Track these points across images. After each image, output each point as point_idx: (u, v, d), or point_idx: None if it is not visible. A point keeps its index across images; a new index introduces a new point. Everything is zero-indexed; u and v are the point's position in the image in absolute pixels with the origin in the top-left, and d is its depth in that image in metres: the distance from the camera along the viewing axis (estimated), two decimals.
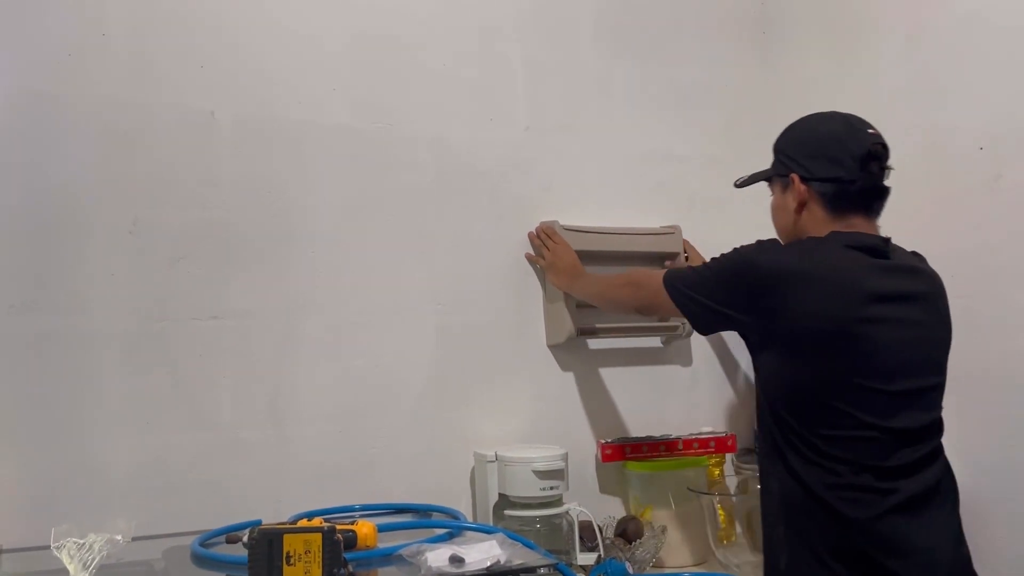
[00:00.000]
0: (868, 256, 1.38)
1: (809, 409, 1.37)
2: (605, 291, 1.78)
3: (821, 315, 1.33)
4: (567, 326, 1.86)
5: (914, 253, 1.49)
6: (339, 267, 1.72)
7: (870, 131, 1.43)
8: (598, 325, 1.92)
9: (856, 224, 1.42)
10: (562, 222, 1.89)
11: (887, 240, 1.43)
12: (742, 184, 1.59)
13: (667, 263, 1.99)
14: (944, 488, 1.39)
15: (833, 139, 1.43)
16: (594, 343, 1.97)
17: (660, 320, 1.96)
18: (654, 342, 2.06)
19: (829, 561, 1.32)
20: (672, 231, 2.02)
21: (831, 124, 1.46)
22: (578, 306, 1.88)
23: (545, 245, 1.88)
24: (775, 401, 1.41)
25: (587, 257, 1.86)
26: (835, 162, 1.41)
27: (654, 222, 2.02)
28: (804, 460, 1.36)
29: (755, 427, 1.65)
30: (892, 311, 1.36)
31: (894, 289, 1.37)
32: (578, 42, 2.02)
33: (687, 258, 2.01)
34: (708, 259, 1.53)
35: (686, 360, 2.09)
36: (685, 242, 2.04)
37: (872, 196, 1.43)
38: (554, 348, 1.92)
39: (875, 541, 1.31)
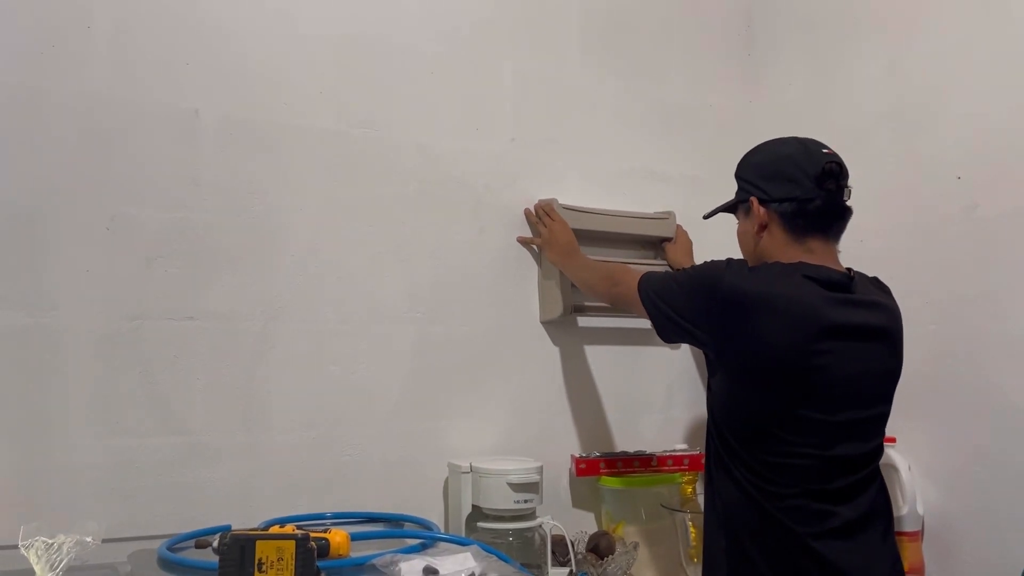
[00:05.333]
0: (828, 290, 1.38)
1: (752, 435, 1.39)
2: (588, 278, 1.79)
3: (775, 345, 1.35)
4: (559, 304, 1.88)
5: (876, 282, 1.50)
6: (318, 272, 1.71)
7: (825, 151, 1.45)
8: (588, 303, 1.93)
9: (815, 247, 1.43)
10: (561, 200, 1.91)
11: (851, 275, 1.44)
12: (708, 216, 1.63)
13: (664, 245, 2.04)
14: (879, 511, 1.42)
15: (788, 160, 1.45)
16: (584, 325, 1.99)
17: None
18: (644, 323, 2.04)
19: None
20: (667, 216, 2.06)
21: (786, 147, 1.48)
22: (572, 285, 1.89)
23: (542, 222, 1.89)
24: (721, 422, 1.44)
25: (583, 237, 1.88)
26: (792, 181, 1.43)
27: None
28: (746, 480, 1.39)
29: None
30: (845, 345, 1.37)
31: (849, 322, 1.38)
32: (567, 57, 2.03)
33: (671, 240, 2.04)
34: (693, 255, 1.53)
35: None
36: (678, 227, 2.06)
37: (831, 216, 1.45)
38: (537, 347, 1.93)
39: (813, 561, 1.33)
